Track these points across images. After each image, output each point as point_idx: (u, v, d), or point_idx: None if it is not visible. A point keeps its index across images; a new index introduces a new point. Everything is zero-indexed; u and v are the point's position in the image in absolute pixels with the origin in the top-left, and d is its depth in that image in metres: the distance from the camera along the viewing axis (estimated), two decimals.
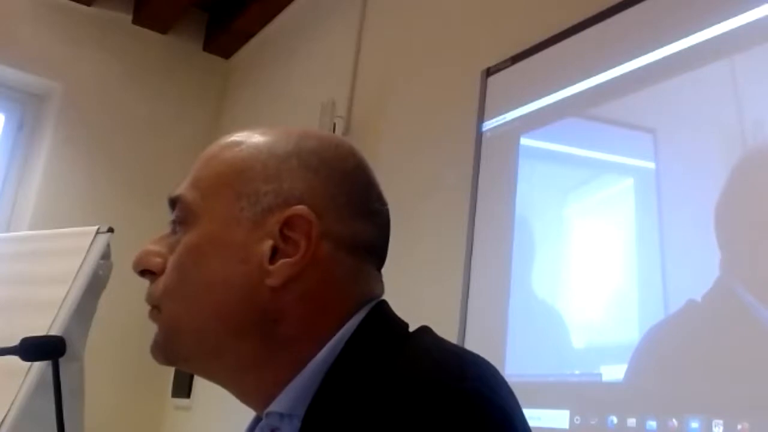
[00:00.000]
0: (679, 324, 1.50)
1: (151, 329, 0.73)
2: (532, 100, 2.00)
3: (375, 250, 0.75)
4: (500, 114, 2.09)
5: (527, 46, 2.05)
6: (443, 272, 2.14)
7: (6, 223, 3.44)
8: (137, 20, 3.73)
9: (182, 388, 3.45)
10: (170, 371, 3.55)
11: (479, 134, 2.14)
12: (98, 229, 2.34)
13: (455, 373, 0.62)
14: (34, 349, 1.72)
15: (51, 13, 3.54)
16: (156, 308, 0.72)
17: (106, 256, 2.33)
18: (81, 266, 2.26)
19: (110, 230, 2.34)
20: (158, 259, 0.73)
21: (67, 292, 2.21)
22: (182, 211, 0.73)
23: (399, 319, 0.74)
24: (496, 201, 2.02)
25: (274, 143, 0.73)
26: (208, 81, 3.94)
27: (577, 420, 1.63)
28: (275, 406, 0.68)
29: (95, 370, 2.40)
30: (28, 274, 2.36)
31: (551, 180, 1.95)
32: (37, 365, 2.03)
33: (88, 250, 2.29)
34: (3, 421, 2.02)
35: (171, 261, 0.72)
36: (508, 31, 2.22)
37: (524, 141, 2.01)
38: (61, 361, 1.74)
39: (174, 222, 0.74)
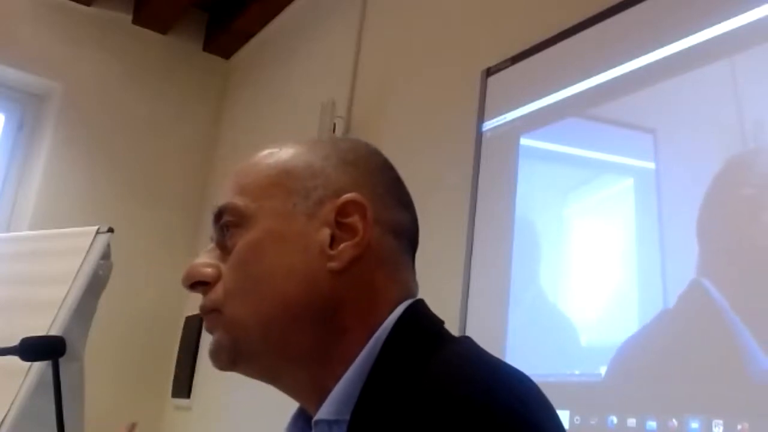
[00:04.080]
0: (679, 323, 1.50)
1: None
2: (532, 100, 2.00)
3: (412, 238, 0.78)
4: (500, 114, 2.09)
5: (527, 46, 2.05)
6: (443, 272, 2.14)
7: (6, 223, 3.44)
8: (137, 20, 3.73)
9: (182, 388, 3.45)
10: (170, 371, 3.55)
11: (479, 134, 2.14)
12: (98, 229, 2.35)
13: (485, 385, 0.62)
14: (34, 349, 1.73)
15: (51, 13, 3.54)
16: (215, 312, 0.73)
17: (106, 256, 2.33)
18: (81, 266, 2.26)
19: (110, 230, 2.34)
20: (209, 269, 0.74)
21: (67, 292, 2.21)
22: (234, 216, 0.74)
23: (435, 317, 0.74)
24: (496, 201, 2.02)
25: (311, 147, 0.77)
26: (208, 81, 3.94)
27: (577, 420, 1.63)
28: (322, 413, 0.68)
29: (95, 370, 2.41)
30: (28, 274, 2.36)
31: (551, 180, 1.95)
32: (37, 365, 2.03)
33: (88, 250, 2.30)
34: (3, 421, 2.02)
35: (230, 263, 0.73)
36: (508, 31, 2.22)
37: (524, 141, 2.01)
38: (61, 361, 1.74)
39: (223, 229, 0.75)
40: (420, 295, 0.77)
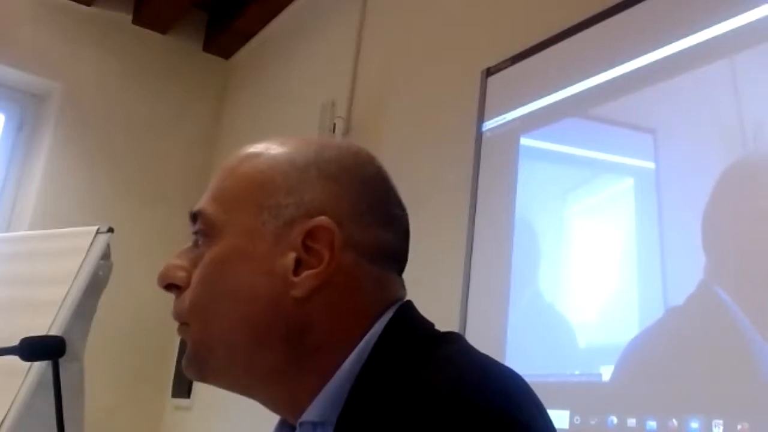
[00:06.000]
0: (679, 324, 1.50)
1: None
2: (532, 100, 2.00)
3: (396, 256, 0.76)
4: (500, 114, 2.09)
5: (527, 46, 2.05)
6: (443, 272, 2.14)
7: (6, 223, 3.44)
8: (137, 20, 3.73)
9: (182, 388, 3.45)
10: (170, 371, 3.55)
11: (479, 134, 2.14)
12: (98, 229, 2.35)
13: (474, 383, 0.62)
14: (34, 349, 1.72)
15: (51, 13, 3.54)
16: (185, 324, 0.73)
17: (106, 256, 2.33)
18: (81, 266, 2.26)
19: (110, 230, 2.34)
20: (182, 273, 0.74)
21: (67, 292, 2.21)
22: (205, 225, 0.73)
23: (424, 319, 0.74)
24: (496, 201, 2.02)
25: (293, 153, 0.74)
26: (208, 81, 3.94)
27: (577, 420, 1.63)
28: (308, 415, 0.68)
29: (95, 370, 2.40)
30: (28, 274, 2.36)
31: (551, 180, 1.95)
32: (37, 365, 2.03)
33: (88, 250, 2.29)
34: (3, 421, 2.02)
35: (195, 275, 0.73)
36: (508, 31, 2.22)
37: (524, 141, 2.01)
38: (61, 361, 1.74)
39: (196, 235, 0.74)
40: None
